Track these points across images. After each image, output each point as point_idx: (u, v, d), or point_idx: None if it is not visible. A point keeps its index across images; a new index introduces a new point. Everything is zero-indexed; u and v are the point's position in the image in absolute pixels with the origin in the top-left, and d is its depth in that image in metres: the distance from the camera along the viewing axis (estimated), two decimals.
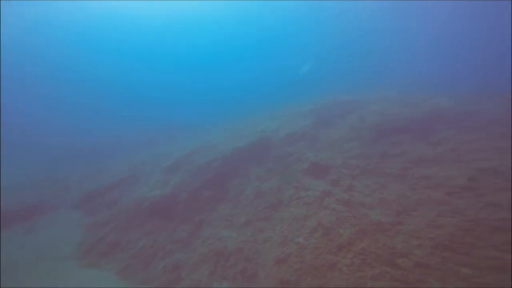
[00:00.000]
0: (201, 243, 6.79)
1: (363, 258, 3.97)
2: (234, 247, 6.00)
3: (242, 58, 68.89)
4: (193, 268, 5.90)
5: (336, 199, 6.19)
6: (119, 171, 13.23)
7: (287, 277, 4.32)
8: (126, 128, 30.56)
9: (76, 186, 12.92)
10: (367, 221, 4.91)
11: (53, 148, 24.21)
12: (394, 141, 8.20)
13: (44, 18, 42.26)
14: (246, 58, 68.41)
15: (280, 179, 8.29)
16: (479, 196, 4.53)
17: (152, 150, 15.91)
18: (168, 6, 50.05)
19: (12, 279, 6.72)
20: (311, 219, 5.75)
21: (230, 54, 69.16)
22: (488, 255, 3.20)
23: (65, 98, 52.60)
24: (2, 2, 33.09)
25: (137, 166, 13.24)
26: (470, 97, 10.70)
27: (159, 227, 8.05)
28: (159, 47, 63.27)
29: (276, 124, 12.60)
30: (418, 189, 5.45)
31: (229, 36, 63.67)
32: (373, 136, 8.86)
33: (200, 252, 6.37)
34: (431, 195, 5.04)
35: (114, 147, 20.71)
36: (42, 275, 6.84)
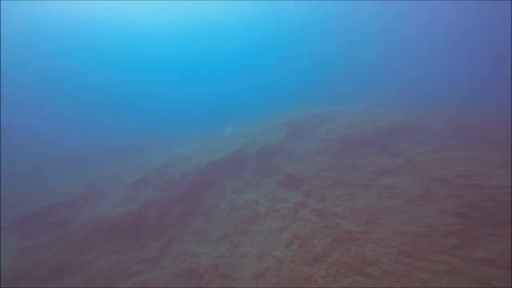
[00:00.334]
0: (171, 261, 6.31)
1: (337, 269, 4.12)
2: (209, 263, 5.72)
3: (218, 72, 69.94)
4: None
5: (310, 209, 6.39)
6: (72, 189, 11.76)
7: None
8: (89, 137, 27.74)
9: (15, 206, 11.04)
10: (340, 230, 5.15)
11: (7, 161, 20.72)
12: (361, 153, 8.90)
13: (32, 27, 37.99)
14: (224, 71, 69.56)
15: (256, 191, 8.30)
16: (431, 204, 5.11)
17: (120, 163, 14.66)
18: (153, 18, 49.42)
19: None
20: (287, 231, 5.82)
21: (207, 67, 69.87)
22: (441, 259, 3.60)
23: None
24: (2, 2, 30.26)
25: (97, 183, 11.96)
26: (419, 112, 12.28)
27: (122, 247, 7.27)
28: (138, 56, 61.56)
29: (252, 137, 12.75)
30: (383, 198, 5.94)
31: (205, 50, 64.79)
32: (342, 149, 9.51)
33: (170, 272, 5.91)
34: (394, 204, 5.53)
35: (70, 160, 18.44)
36: None
